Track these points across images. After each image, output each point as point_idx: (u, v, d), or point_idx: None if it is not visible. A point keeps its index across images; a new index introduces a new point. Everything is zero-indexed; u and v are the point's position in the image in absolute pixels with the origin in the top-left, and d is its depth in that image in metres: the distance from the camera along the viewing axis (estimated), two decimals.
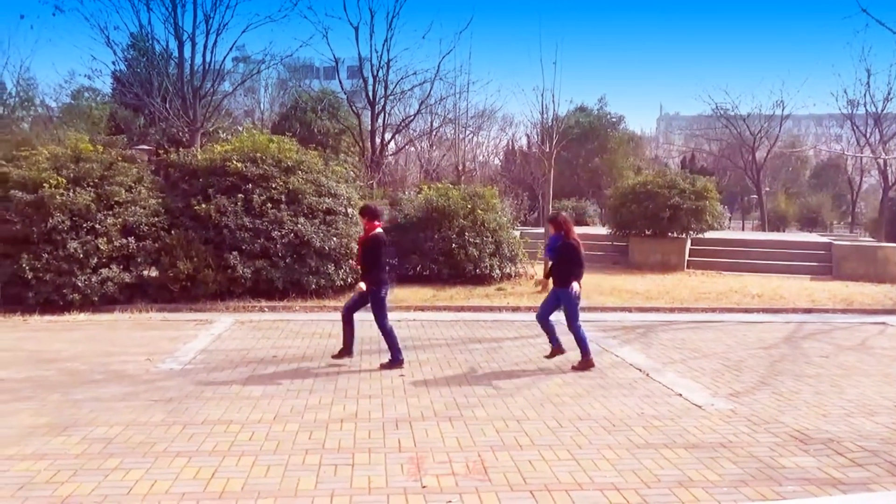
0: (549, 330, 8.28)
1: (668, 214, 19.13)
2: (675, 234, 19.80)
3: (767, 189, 48.23)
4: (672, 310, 12.92)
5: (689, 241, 20.17)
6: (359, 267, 8.31)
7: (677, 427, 5.95)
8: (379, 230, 8.21)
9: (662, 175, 21.57)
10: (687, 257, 19.84)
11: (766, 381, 7.69)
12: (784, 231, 45.01)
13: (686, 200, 19.24)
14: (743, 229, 49.00)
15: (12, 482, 4.60)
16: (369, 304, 8.07)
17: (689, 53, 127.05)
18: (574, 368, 8.00)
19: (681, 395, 7.00)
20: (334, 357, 8.42)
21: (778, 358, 8.95)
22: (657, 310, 12.90)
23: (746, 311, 12.93)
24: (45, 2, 22.59)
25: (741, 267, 19.08)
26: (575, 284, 8.01)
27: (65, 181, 12.17)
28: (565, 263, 8.11)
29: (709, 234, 20.38)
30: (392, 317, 11.69)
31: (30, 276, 11.46)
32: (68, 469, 4.84)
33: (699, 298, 14.05)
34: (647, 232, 19.99)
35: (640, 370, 8.08)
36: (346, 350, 8.46)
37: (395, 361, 8.05)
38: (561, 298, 8.12)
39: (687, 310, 12.93)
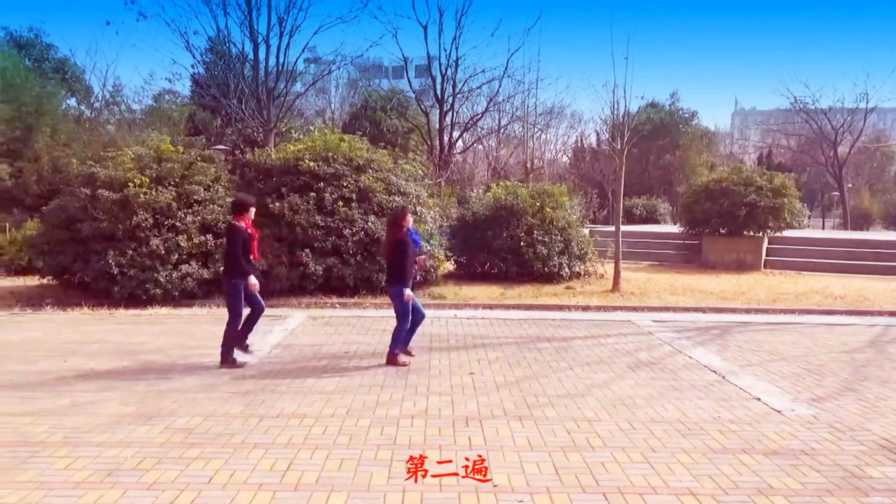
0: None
1: (745, 212, 18.60)
2: (752, 233, 19.20)
3: (850, 186, 46.22)
4: (748, 310, 12.52)
5: (766, 240, 19.52)
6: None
7: (756, 432, 5.76)
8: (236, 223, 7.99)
9: (738, 172, 20.93)
10: (764, 256, 19.20)
11: (850, 386, 7.36)
12: (867, 230, 43.07)
13: (763, 198, 18.65)
14: (823, 228, 47.12)
15: (102, 468, 4.82)
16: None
17: (765, 45, 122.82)
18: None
19: (759, 399, 6.78)
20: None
21: (863, 362, 8.56)
22: (732, 310, 12.52)
23: (828, 312, 12.41)
24: (130, 8, 23.70)
25: (822, 267, 18.33)
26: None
27: (148, 180, 12.68)
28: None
29: (787, 233, 19.69)
30: (462, 314, 11.82)
31: (115, 272, 11.98)
32: (153, 457, 5.04)
33: (777, 299, 13.57)
34: (721, 230, 19.46)
35: (716, 372, 7.85)
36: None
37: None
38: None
39: (764, 311, 12.51)
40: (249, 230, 8.03)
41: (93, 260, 12.21)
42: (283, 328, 10.27)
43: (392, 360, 8.01)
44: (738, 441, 5.54)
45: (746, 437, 5.62)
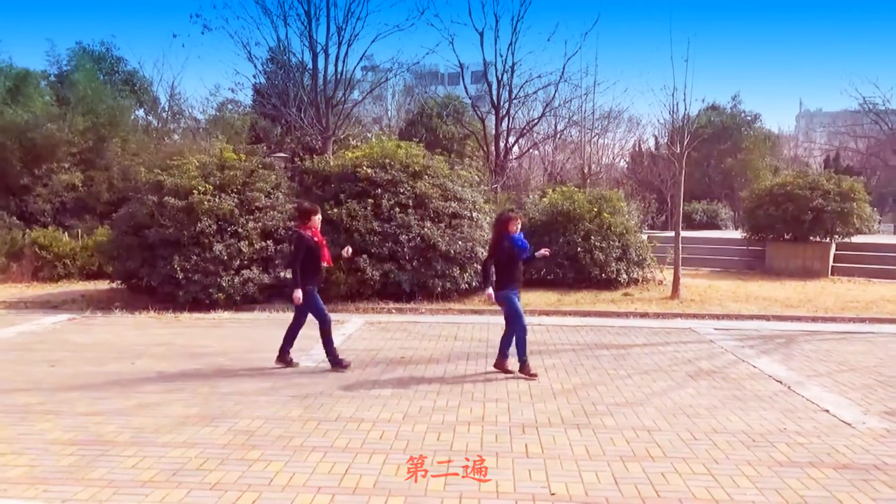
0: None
1: (811, 217, 17.99)
2: (818, 239, 18.55)
3: None
4: (815, 319, 12.07)
5: (833, 246, 18.82)
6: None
7: (824, 445, 5.54)
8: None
9: (803, 175, 20.28)
10: (831, 263, 18.52)
11: None
12: None
13: (830, 202, 18.00)
14: (895, 233, 45.21)
15: (167, 468, 4.96)
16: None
17: (832, 44, 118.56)
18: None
19: (827, 410, 6.52)
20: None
21: None
22: (798, 318, 12.10)
23: None
24: (196, 21, 24.42)
25: (893, 274, 17.57)
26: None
27: (211, 188, 13.02)
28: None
29: (856, 239, 18.94)
30: None
31: (180, 277, 12.34)
32: (216, 458, 5.15)
33: (845, 307, 13.06)
34: (786, 236, 18.87)
35: (781, 382, 7.60)
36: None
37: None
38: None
39: (832, 319, 12.04)
40: (316, 238, 8.04)
41: (159, 265, 12.59)
42: (342, 333, 10.39)
43: (500, 364, 7.97)
44: (806, 454, 5.34)
45: (814, 450, 5.41)
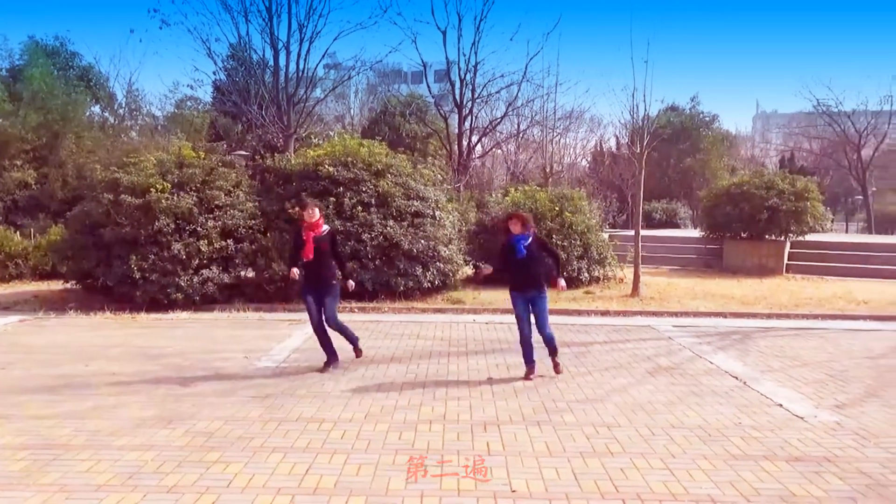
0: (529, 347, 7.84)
1: (766, 216, 18.43)
2: (773, 237, 19.01)
3: (874, 189, 45.59)
4: (770, 316, 12.36)
5: (788, 245, 19.30)
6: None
7: (778, 439, 5.68)
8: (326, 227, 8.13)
9: (759, 175, 20.76)
10: (786, 261, 18.98)
11: (874, 392, 7.24)
12: (893, 233, 42.42)
13: (785, 202, 18.47)
14: (847, 232, 46.49)
15: (123, 471, 4.86)
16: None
17: (788, 47, 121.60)
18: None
19: (781, 405, 6.68)
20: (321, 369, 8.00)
21: (887, 368, 8.42)
22: (754, 315, 12.37)
23: (852, 318, 12.22)
24: (153, 16, 23.99)
25: (845, 271, 18.07)
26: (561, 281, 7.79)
27: (169, 186, 12.79)
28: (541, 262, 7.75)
29: (810, 237, 19.46)
30: (480, 319, 11.80)
31: (137, 276, 12.10)
32: (173, 460, 5.07)
33: (799, 304, 13.39)
34: (742, 234, 19.29)
35: (737, 378, 7.76)
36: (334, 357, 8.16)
37: (356, 349, 8.36)
38: (539, 303, 7.72)
39: (786, 316, 12.34)
40: (304, 234, 7.99)
41: (115, 265, 12.33)
42: (304, 332, 10.30)
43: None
44: (760, 447, 5.46)
45: (768, 444, 5.54)
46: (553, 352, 7.88)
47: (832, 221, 32.33)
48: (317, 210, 8.10)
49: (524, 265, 7.62)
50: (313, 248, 7.84)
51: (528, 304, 7.71)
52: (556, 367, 7.86)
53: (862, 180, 41.53)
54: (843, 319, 12.13)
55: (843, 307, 13.10)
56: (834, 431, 5.89)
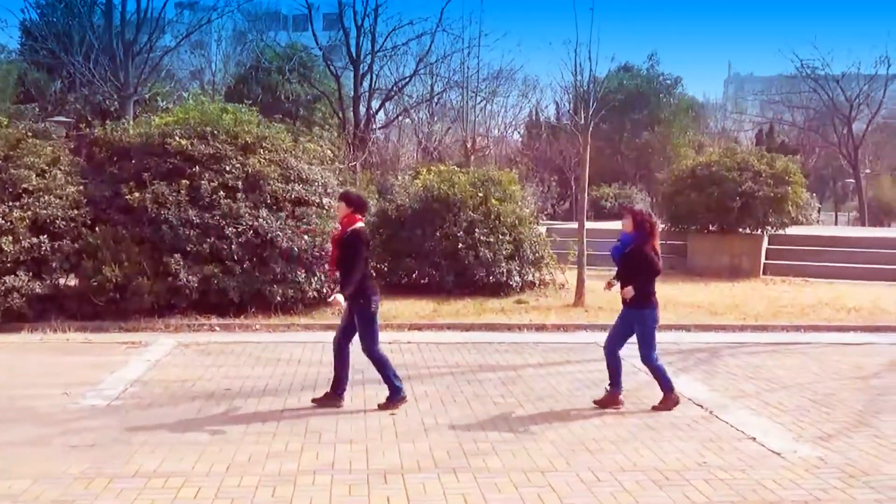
0: (614, 367, 8.10)
1: (739, 204, 19.08)
2: (748, 230, 19.76)
3: (867, 171, 48.04)
4: (743, 328, 12.92)
5: (765, 239, 20.13)
6: (336, 273, 8.22)
7: (749, 480, 5.92)
8: (360, 224, 8.06)
9: (731, 153, 21.58)
10: (763, 260, 19.80)
11: (865, 420, 7.66)
12: (890, 226, 44.82)
13: (762, 186, 19.19)
14: (836, 223, 48.87)
15: None
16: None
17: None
18: (655, 409, 7.91)
19: (754, 438, 6.98)
20: (317, 401, 8.04)
21: (881, 390, 8.93)
22: (724, 328, 12.89)
23: (840, 329, 12.91)
24: None
25: (834, 272, 18.99)
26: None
27: None
28: (642, 275, 7.91)
29: (791, 231, 20.33)
30: (383, 337, 11.76)
31: None
32: None
33: (778, 313, 14.04)
34: (711, 227, 19.98)
35: (702, 406, 8.06)
36: (337, 390, 8.08)
37: (396, 397, 7.90)
38: (637, 322, 7.98)
39: (762, 328, 12.92)
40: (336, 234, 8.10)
41: None
42: (145, 359, 10.06)
43: None
44: (728, 492, 5.68)
45: (738, 487, 5.77)
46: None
47: (818, 211, 33.97)
48: (343, 203, 8.06)
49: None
50: (335, 255, 7.93)
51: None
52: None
53: (853, 160, 43.54)
54: (829, 331, 12.79)
55: (829, 316, 13.80)
56: (817, 469, 6.19)
